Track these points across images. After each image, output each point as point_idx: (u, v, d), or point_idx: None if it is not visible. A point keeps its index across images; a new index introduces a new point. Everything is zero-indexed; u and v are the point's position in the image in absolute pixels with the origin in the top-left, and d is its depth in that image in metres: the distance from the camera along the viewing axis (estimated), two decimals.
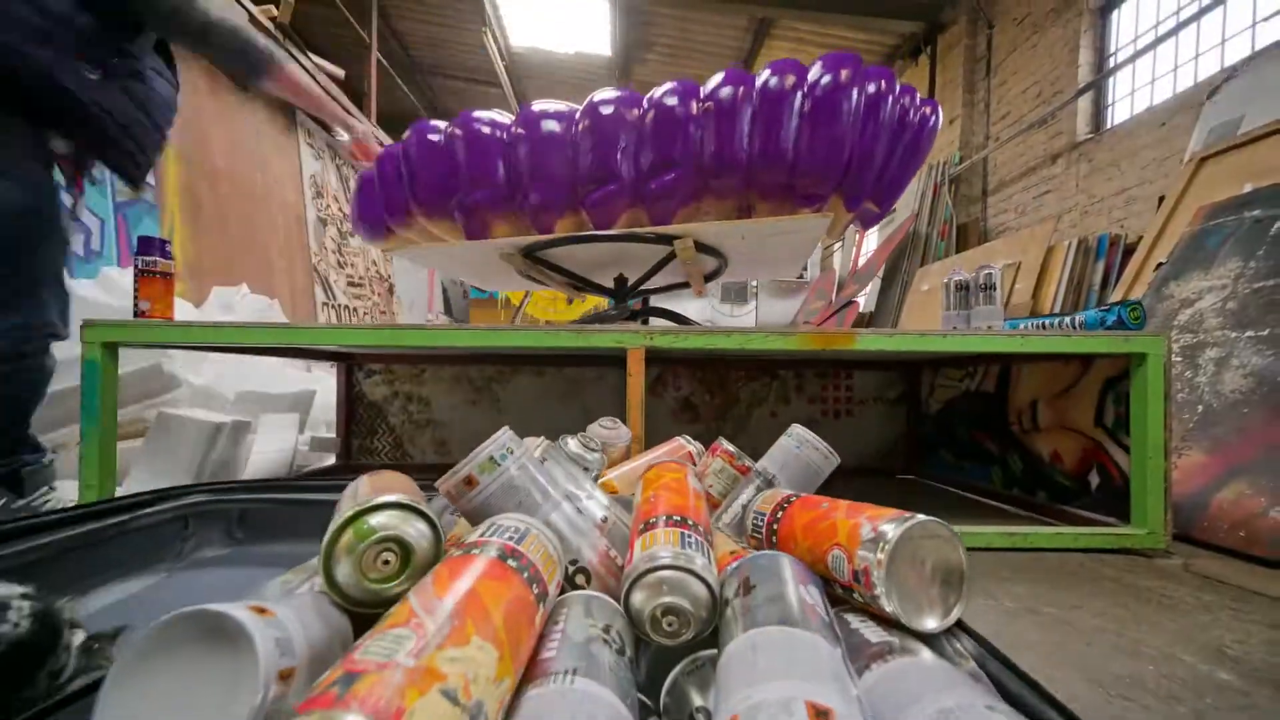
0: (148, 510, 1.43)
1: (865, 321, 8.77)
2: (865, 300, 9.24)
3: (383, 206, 3.01)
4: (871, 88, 2.48)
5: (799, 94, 2.44)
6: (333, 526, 0.73)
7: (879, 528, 0.79)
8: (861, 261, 9.62)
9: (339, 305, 8.29)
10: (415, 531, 0.73)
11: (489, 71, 12.20)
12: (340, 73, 7.61)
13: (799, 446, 1.31)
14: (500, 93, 12.94)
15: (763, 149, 2.49)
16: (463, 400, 3.86)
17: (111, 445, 2.20)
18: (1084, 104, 7.16)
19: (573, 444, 1.31)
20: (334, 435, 3.85)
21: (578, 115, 2.68)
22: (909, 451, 3.87)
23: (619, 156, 2.59)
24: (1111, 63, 7.07)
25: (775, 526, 0.99)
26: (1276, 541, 2.13)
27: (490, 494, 0.83)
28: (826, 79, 2.46)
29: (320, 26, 10.54)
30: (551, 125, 2.69)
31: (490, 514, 0.82)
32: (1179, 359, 3.01)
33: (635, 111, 2.59)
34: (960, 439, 3.49)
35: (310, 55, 6.99)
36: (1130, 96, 6.86)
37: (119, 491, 2.56)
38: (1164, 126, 5.84)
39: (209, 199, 5.91)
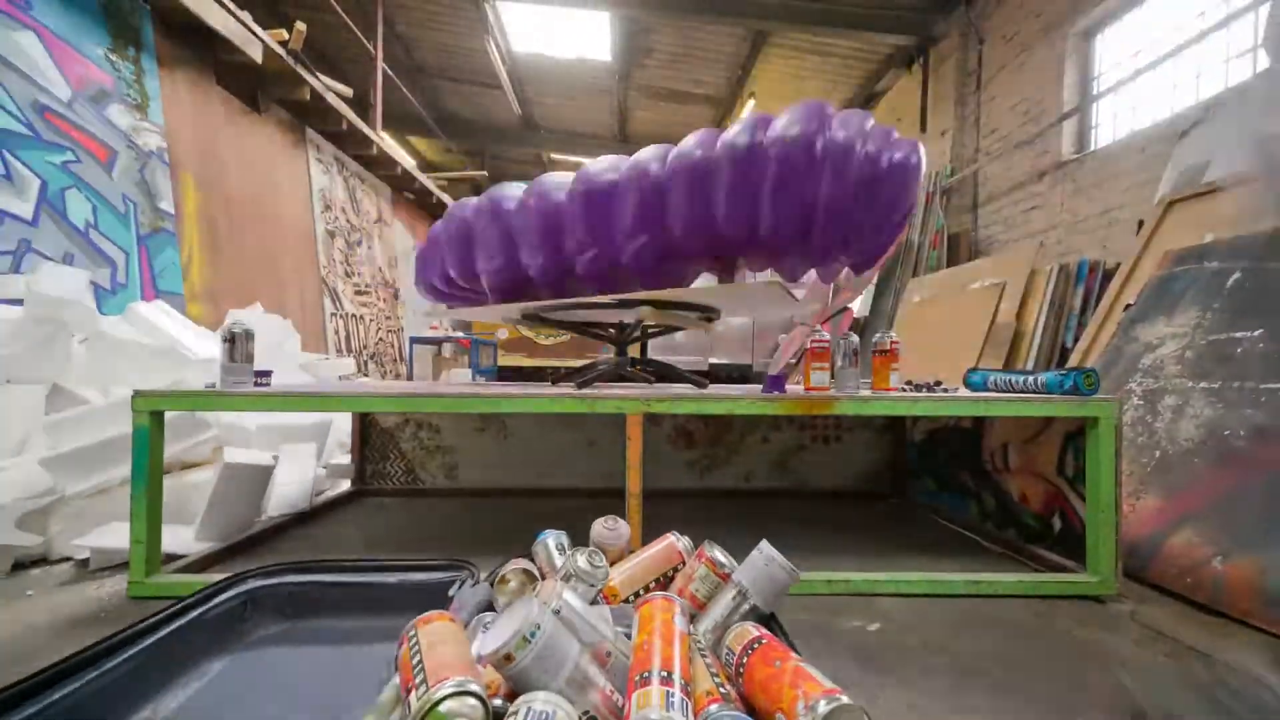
0: (216, 600, 1.66)
1: (860, 327, 8.94)
2: (859, 305, 9.41)
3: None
4: (840, 136, 2.46)
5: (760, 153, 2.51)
6: (415, 712, 0.96)
7: (810, 704, 1.02)
8: None
9: (346, 314, 8.49)
10: (473, 712, 0.96)
11: (491, 74, 12.37)
12: (349, 92, 7.82)
13: (767, 564, 1.53)
14: (502, 94, 13.11)
15: (728, 214, 2.60)
16: (471, 427, 4.05)
17: (158, 503, 2.40)
18: (1069, 125, 7.29)
19: (582, 561, 1.52)
20: (349, 461, 4.04)
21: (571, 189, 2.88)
22: (895, 476, 4.08)
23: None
24: (1095, 86, 7.23)
25: (741, 670, 1.24)
26: (1217, 591, 2.34)
27: (525, 665, 1.05)
28: (793, 131, 2.48)
29: (327, 33, 10.69)
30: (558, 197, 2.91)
31: (527, 680, 1.07)
32: (1140, 403, 3.18)
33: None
34: (940, 470, 3.70)
35: (319, 76, 7.18)
36: (1113, 120, 6.99)
37: (192, 530, 2.85)
38: (1144, 153, 5.97)
39: (225, 224, 6.13)
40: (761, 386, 2.75)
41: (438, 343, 9.69)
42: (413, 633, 1.24)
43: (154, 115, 5.23)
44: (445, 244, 3.29)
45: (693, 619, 1.56)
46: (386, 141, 9.29)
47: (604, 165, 2.86)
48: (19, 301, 3.29)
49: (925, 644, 2.02)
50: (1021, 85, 8.04)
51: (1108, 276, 5.13)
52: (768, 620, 1.55)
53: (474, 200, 3.27)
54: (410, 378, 9.25)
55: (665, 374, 3.39)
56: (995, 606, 2.36)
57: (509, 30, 11.25)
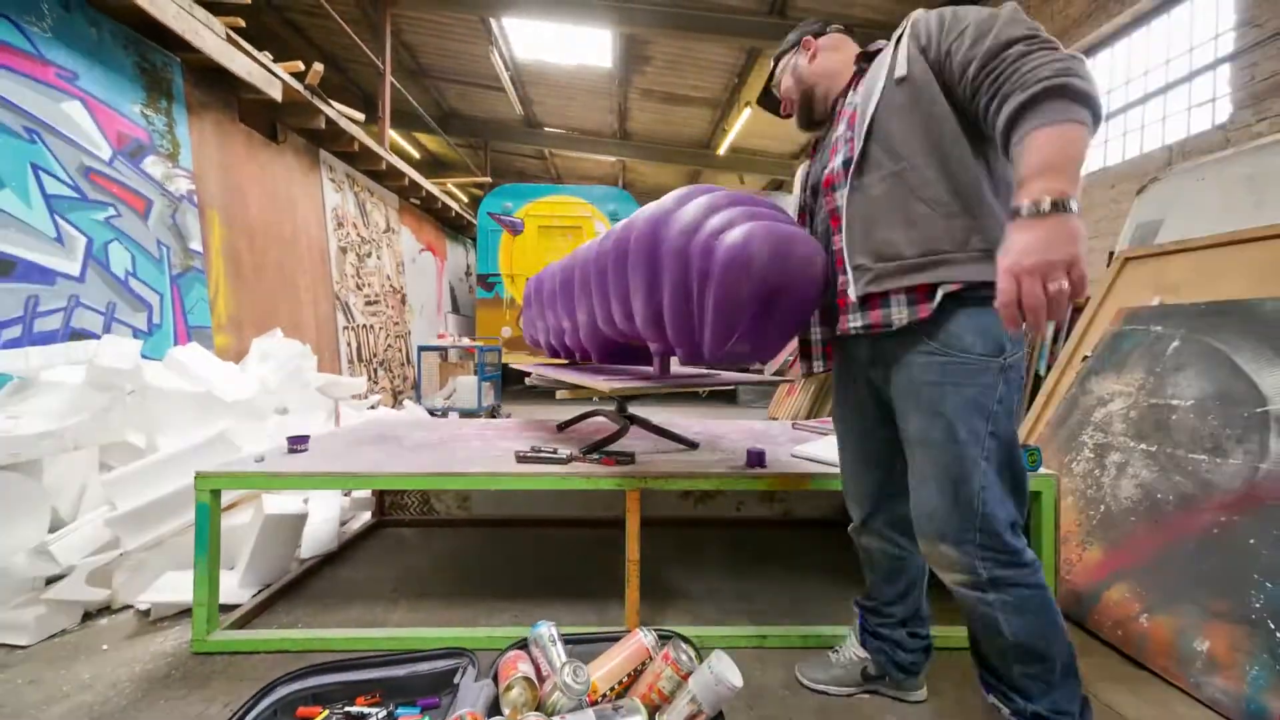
0: (251, 715, 1.96)
1: None
2: None
3: None
4: None
5: None
6: None
7: None
8: None
9: (357, 326, 8.78)
10: None
11: (494, 77, 12.62)
12: (361, 116, 8.09)
13: (716, 684, 1.85)
14: (505, 94, 13.35)
15: None
16: None
17: (216, 569, 2.71)
18: None
19: (568, 677, 1.85)
20: (370, 493, 4.34)
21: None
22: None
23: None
24: None
25: None
26: (1142, 645, 2.65)
27: None
28: None
29: (333, 38, 10.94)
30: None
31: None
32: (1091, 456, 3.46)
33: None
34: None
35: (333, 104, 7.46)
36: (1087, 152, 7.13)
37: (236, 577, 3.19)
38: (1113, 189, 6.22)
39: (247, 254, 6.42)
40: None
41: (443, 350, 10.03)
42: None
43: (184, 161, 5.49)
44: None
45: (659, 710, 1.92)
46: (395, 157, 9.51)
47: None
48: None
49: (883, 706, 2.36)
50: None
51: (1078, 310, 5.41)
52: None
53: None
54: (418, 384, 9.58)
55: (661, 433, 3.65)
56: (950, 658, 2.65)
57: (512, 39, 11.51)
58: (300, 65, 6.68)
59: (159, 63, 5.30)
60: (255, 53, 5.92)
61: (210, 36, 5.35)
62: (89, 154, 4.61)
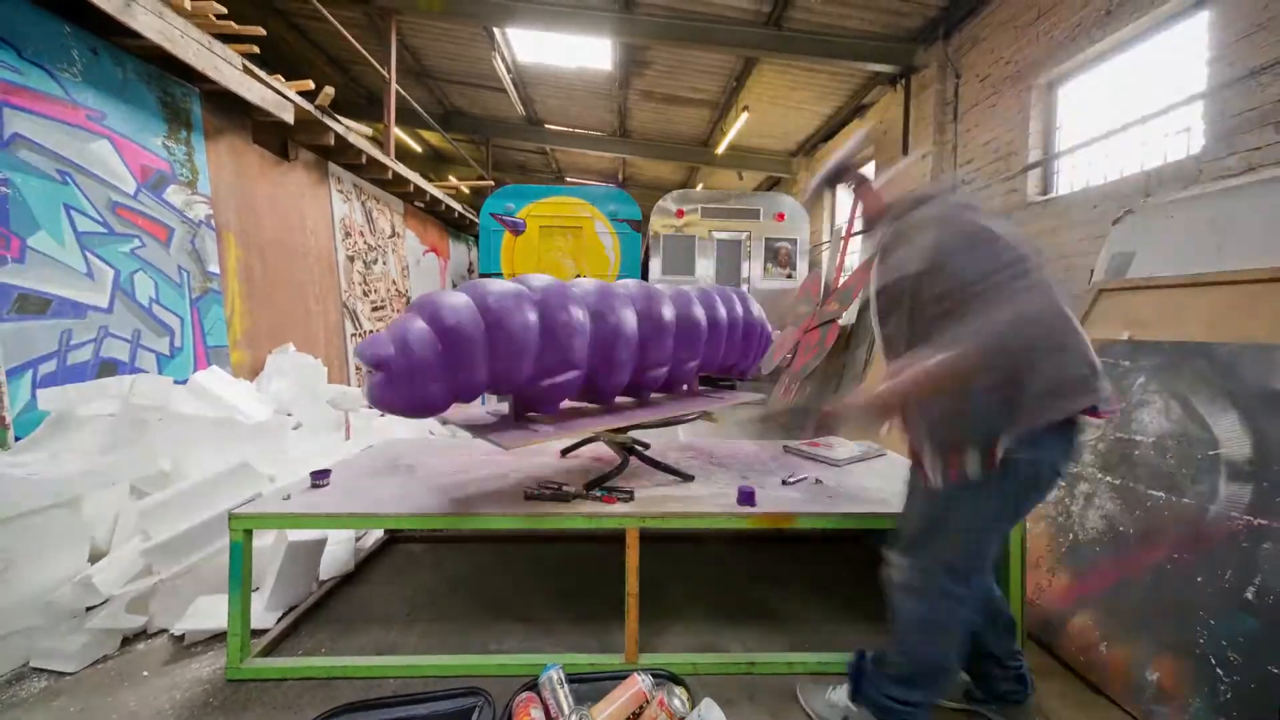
0: None
1: (846, 336, 9.30)
2: (847, 314, 9.80)
3: None
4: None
5: None
6: None
7: None
8: (845, 275, 10.09)
9: (364, 332, 8.93)
10: None
11: (496, 79, 12.75)
12: (369, 131, 8.26)
13: None
14: (506, 95, 13.50)
15: None
16: None
17: (248, 602, 2.93)
18: (1034, 169, 7.67)
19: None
20: None
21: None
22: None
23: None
24: (1058, 137, 7.61)
25: None
26: (1102, 673, 2.85)
27: None
28: None
29: (338, 41, 11.06)
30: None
31: None
32: (1062, 483, 3.64)
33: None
34: None
35: (340, 119, 7.63)
36: (1071, 171, 7.36)
37: (262, 601, 3.39)
38: (1095, 209, 6.32)
39: (259, 270, 6.61)
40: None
41: None
42: None
43: (202, 186, 5.66)
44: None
45: None
46: (401, 165, 9.63)
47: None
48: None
49: None
50: (993, 124, 8.38)
51: None
52: None
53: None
54: None
55: (658, 466, 3.79)
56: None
57: (514, 43, 11.68)
58: (310, 84, 6.83)
59: (179, 94, 5.48)
60: (268, 78, 6.08)
61: (228, 69, 5.52)
62: (115, 189, 4.80)
